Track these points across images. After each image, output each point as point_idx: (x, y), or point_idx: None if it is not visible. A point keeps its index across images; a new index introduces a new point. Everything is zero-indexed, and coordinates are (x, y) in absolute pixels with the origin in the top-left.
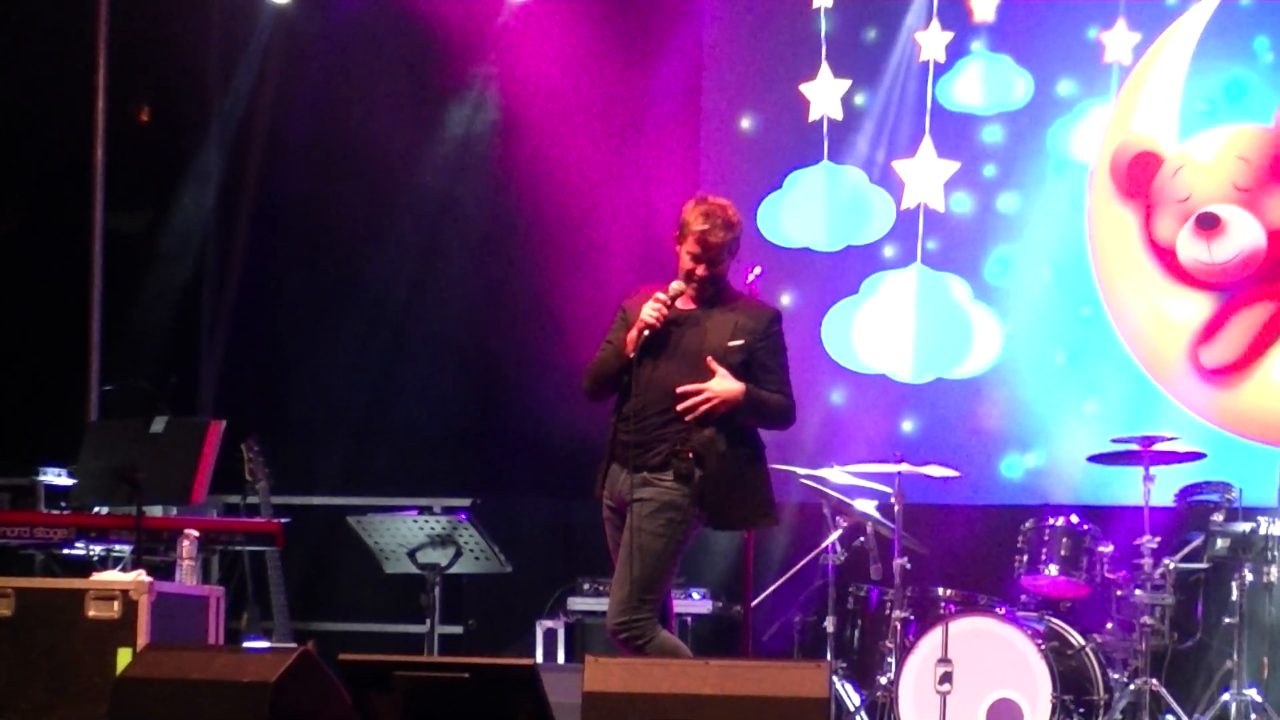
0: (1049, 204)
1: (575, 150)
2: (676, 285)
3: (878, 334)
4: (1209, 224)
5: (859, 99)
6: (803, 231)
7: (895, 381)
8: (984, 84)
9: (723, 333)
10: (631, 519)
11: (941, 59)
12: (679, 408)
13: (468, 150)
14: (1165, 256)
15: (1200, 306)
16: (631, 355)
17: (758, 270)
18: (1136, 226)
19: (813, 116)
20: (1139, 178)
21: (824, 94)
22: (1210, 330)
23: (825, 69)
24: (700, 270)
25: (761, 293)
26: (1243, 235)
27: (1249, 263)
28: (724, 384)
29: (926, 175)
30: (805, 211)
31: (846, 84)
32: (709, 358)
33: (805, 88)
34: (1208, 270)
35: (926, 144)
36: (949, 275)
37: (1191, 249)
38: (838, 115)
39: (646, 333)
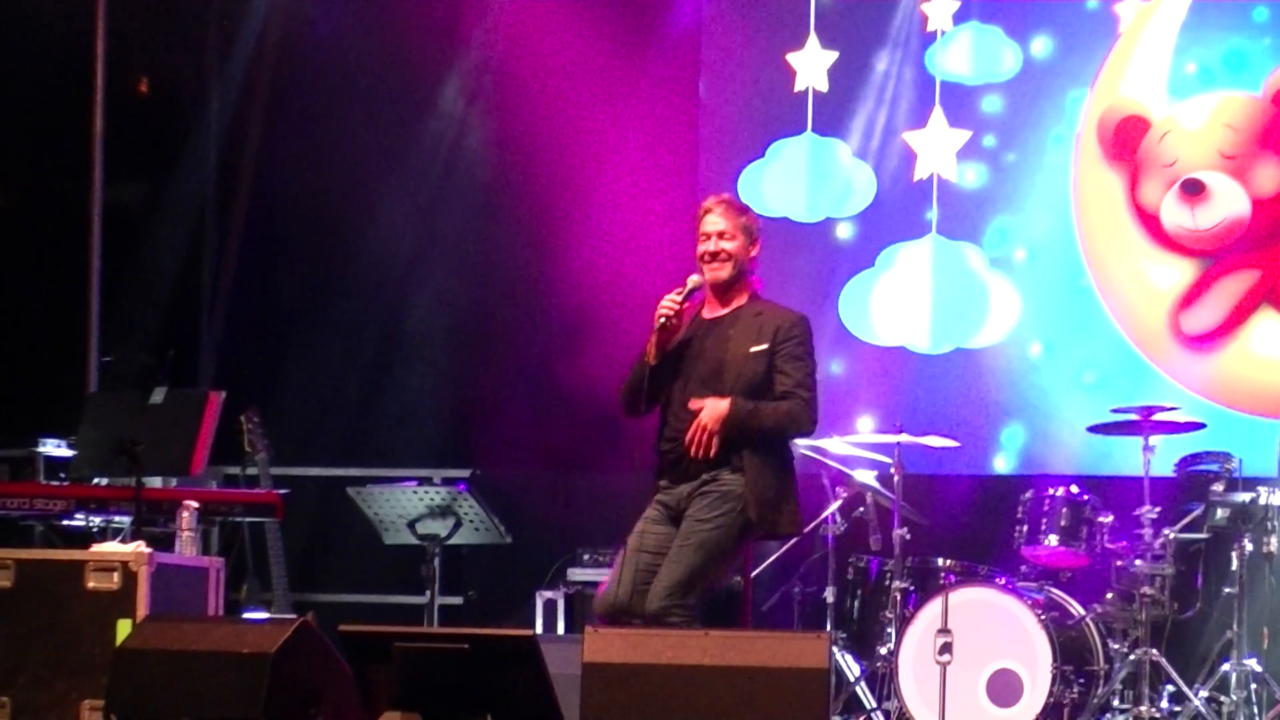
0: (1049, 175)
1: (572, 122)
2: (694, 279)
3: (896, 306)
4: (1194, 190)
5: (854, 71)
6: (783, 201)
7: (913, 353)
8: (973, 54)
9: (746, 340)
10: (693, 511)
11: (949, 28)
12: (690, 453)
13: (466, 123)
14: (1149, 221)
15: (1183, 272)
16: (653, 362)
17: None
18: (1122, 190)
19: (798, 87)
20: (1125, 141)
21: (811, 64)
22: (1192, 296)
23: (813, 39)
24: (713, 248)
25: (763, 266)
26: (1227, 202)
27: (1232, 230)
28: (709, 412)
29: (938, 145)
30: (786, 182)
31: (834, 55)
32: (727, 369)
33: (792, 57)
34: (1191, 236)
35: (937, 114)
36: (965, 244)
37: (1176, 214)
38: (823, 87)
39: (663, 320)
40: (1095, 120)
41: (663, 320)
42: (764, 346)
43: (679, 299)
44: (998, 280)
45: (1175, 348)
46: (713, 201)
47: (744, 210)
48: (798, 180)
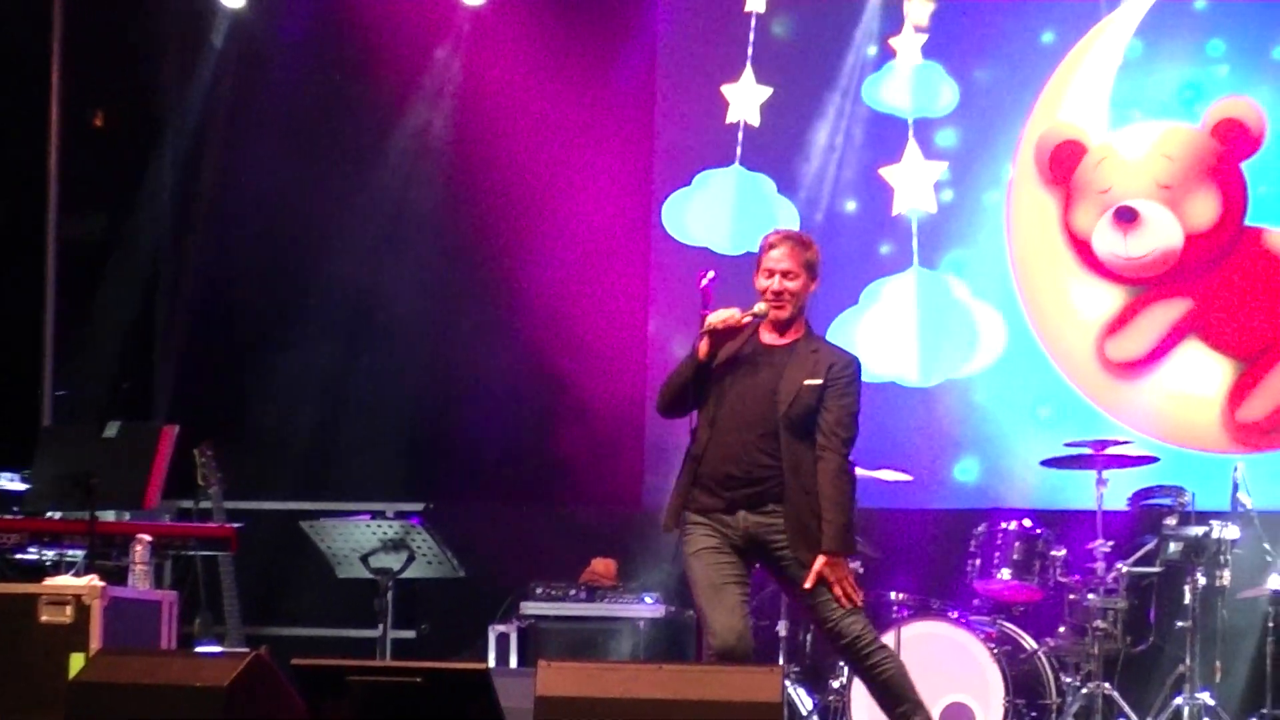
0: (999, 209)
1: (530, 153)
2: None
3: (882, 341)
4: (1127, 217)
5: (792, 106)
6: (706, 231)
7: (904, 388)
8: (912, 88)
9: (802, 372)
10: (804, 556)
11: (919, 61)
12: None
13: (423, 156)
14: (1081, 247)
15: (1113, 298)
16: (703, 358)
17: (710, 274)
18: (1056, 214)
19: (730, 119)
20: (1061, 166)
21: (744, 98)
22: (1119, 322)
23: (749, 73)
24: (776, 287)
25: (716, 299)
26: (1160, 232)
27: (1163, 260)
28: (829, 574)
29: (915, 179)
30: (711, 212)
31: (768, 91)
32: (781, 397)
33: (727, 89)
34: (1122, 263)
35: (912, 147)
36: (948, 275)
37: (1108, 241)
38: (755, 121)
39: (710, 329)
40: (1032, 143)
41: (710, 329)
42: (818, 381)
43: (734, 319)
44: (983, 309)
45: (1101, 374)
46: (777, 237)
47: (808, 245)
48: (722, 211)
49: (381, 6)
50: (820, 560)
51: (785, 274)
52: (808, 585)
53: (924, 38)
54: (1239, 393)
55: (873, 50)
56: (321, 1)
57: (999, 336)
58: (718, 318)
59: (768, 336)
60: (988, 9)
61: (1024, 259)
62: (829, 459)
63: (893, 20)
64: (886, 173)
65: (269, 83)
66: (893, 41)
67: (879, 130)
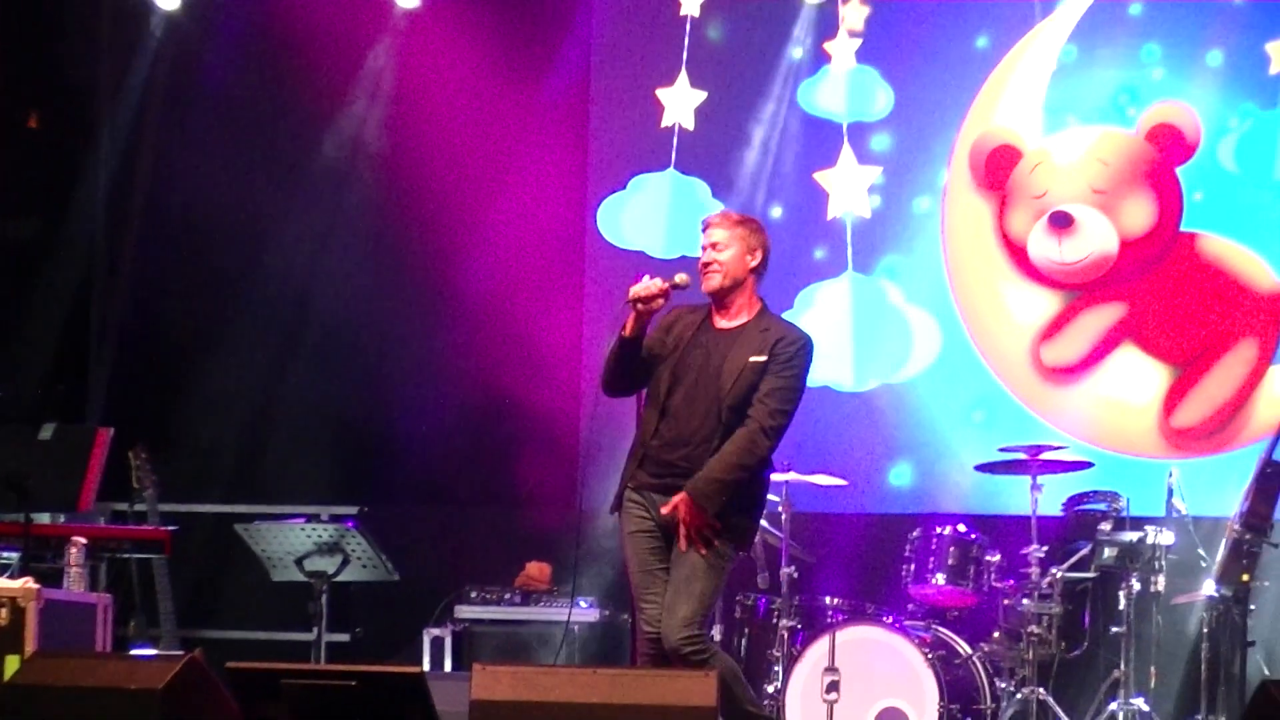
0: (934, 214)
1: (464, 163)
2: (680, 276)
3: (817, 346)
4: (1062, 223)
5: (727, 111)
6: (641, 234)
7: (838, 392)
8: (847, 92)
9: (749, 350)
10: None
11: (854, 65)
12: (684, 549)
13: (357, 160)
14: (1016, 251)
15: (1048, 303)
16: (628, 334)
17: (646, 279)
18: (990, 218)
19: (665, 122)
20: (996, 170)
21: (678, 102)
22: (1054, 328)
23: (683, 77)
24: (706, 258)
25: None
26: (1095, 237)
27: (1098, 265)
28: (681, 511)
29: (850, 183)
30: (646, 216)
31: (703, 95)
32: (725, 376)
33: (661, 93)
34: (1057, 269)
35: (846, 151)
36: (883, 280)
37: (1043, 246)
38: (689, 124)
39: (632, 301)
40: (968, 147)
41: (633, 298)
42: (763, 358)
43: (654, 287)
44: (918, 314)
45: (1036, 379)
46: (711, 215)
47: (741, 221)
48: (657, 215)
49: (316, 9)
50: (680, 494)
51: (713, 245)
52: (663, 511)
53: (859, 42)
54: (1173, 398)
55: (799, 53)
56: (255, 3)
57: (934, 341)
58: (639, 288)
59: (720, 321)
60: (922, 14)
61: (959, 264)
62: (748, 425)
63: (828, 25)
64: (821, 177)
65: (203, 85)
66: (828, 46)
67: (814, 134)
